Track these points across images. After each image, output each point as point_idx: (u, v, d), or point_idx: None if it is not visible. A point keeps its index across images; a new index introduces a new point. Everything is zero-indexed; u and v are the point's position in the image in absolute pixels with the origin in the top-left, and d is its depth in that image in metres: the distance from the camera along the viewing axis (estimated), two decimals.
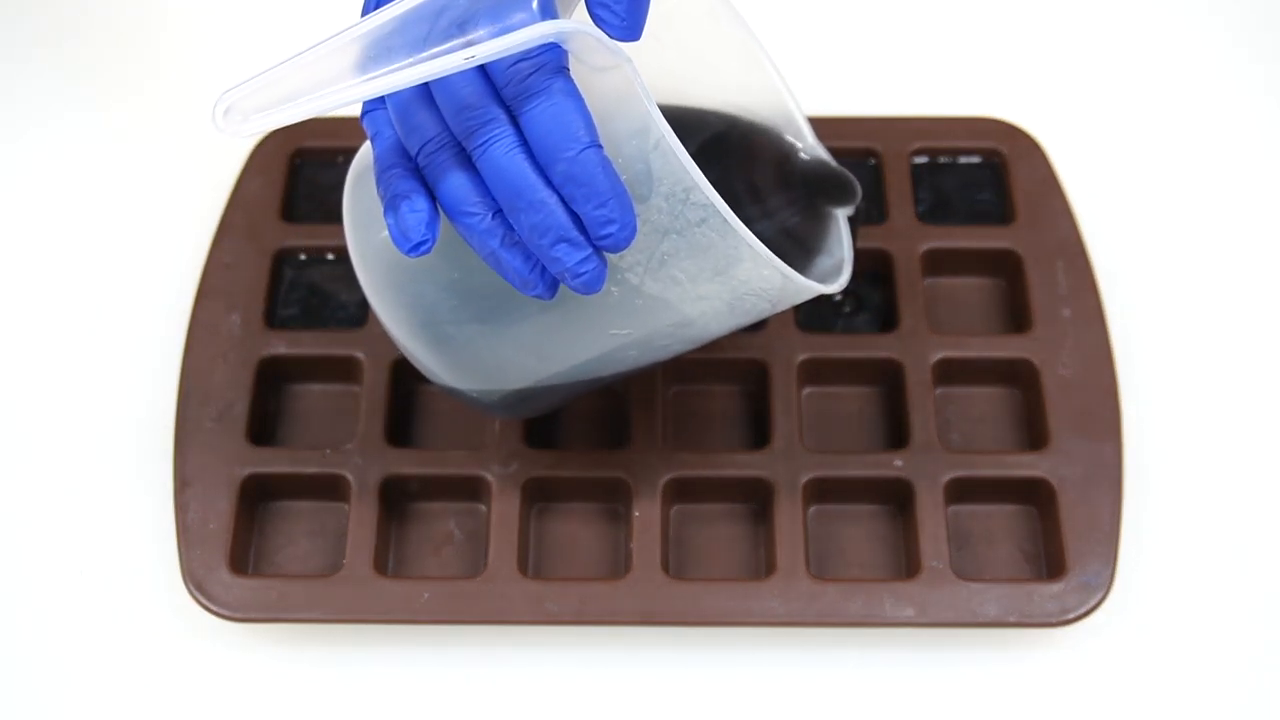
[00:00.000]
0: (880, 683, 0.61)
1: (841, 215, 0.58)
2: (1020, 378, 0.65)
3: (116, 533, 0.64)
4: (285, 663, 0.61)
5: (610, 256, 0.48)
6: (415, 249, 0.47)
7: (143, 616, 0.62)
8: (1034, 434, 0.64)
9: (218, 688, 0.61)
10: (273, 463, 0.63)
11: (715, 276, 0.49)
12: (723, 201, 0.47)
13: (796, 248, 0.57)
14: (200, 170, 0.72)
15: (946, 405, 0.66)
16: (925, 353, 0.65)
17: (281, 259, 0.68)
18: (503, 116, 0.46)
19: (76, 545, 0.63)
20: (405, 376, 0.65)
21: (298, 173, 0.71)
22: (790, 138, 0.59)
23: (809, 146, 0.59)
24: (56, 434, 0.66)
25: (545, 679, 0.61)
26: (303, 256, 0.68)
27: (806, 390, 0.66)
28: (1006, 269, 0.68)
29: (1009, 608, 0.59)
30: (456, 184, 0.47)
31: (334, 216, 0.70)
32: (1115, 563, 0.60)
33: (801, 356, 0.65)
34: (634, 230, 0.46)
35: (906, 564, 0.62)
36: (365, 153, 0.54)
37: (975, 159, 0.71)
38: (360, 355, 0.65)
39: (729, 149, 0.60)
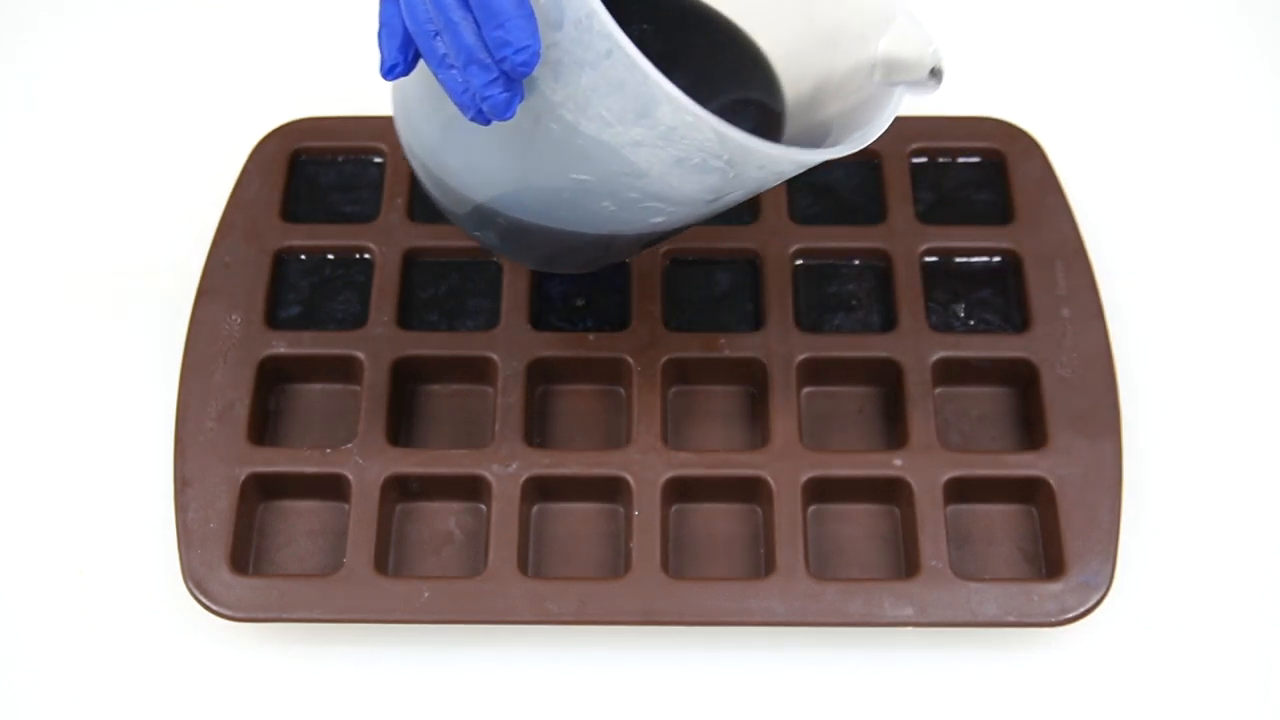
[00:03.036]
0: (880, 682, 0.61)
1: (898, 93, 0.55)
2: (1019, 377, 0.65)
3: (116, 533, 0.64)
4: (285, 663, 0.61)
5: (544, 92, 0.49)
6: (390, 71, 0.50)
7: (143, 616, 0.62)
8: (1033, 434, 0.64)
9: (218, 688, 0.61)
10: (273, 463, 0.63)
11: (639, 119, 0.48)
12: (621, 32, 0.46)
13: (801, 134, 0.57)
14: (200, 170, 0.72)
15: (946, 405, 0.66)
16: (925, 352, 0.65)
17: (281, 259, 0.68)
18: None
19: (76, 545, 0.63)
20: (405, 376, 0.65)
21: (298, 173, 0.71)
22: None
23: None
24: (57, 434, 0.66)
25: (545, 678, 0.61)
26: (303, 256, 0.69)
27: (806, 390, 0.66)
28: (1006, 269, 0.68)
29: (1008, 607, 0.59)
30: (415, 3, 0.48)
31: (334, 216, 0.70)
32: (1114, 562, 0.60)
33: (801, 356, 0.65)
34: (534, 54, 0.47)
35: (906, 563, 0.62)
36: None
37: (975, 159, 0.71)
38: (360, 355, 0.65)
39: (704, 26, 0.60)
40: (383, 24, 0.50)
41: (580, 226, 0.55)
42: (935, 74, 0.55)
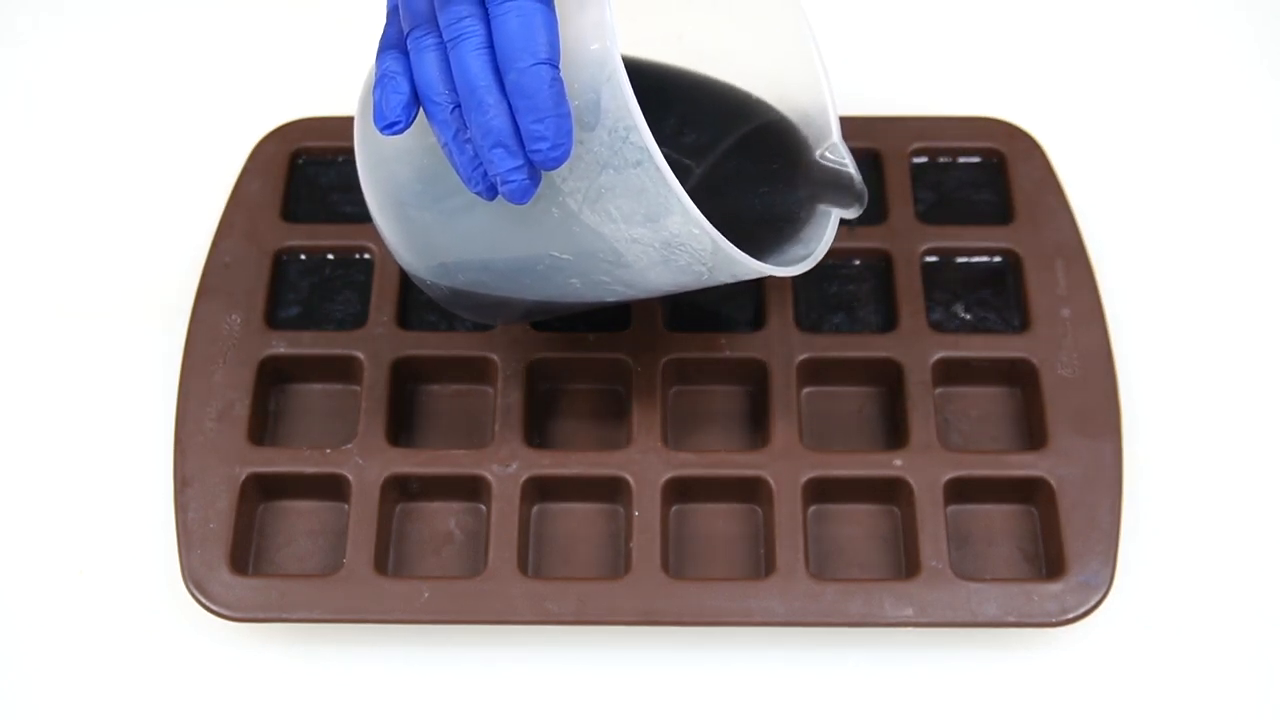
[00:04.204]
0: (880, 682, 0.61)
1: (836, 216, 0.58)
2: (1020, 377, 0.65)
3: (116, 533, 0.64)
4: (285, 663, 0.61)
5: (553, 178, 0.50)
6: (389, 127, 0.49)
7: (143, 616, 0.62)
8: (1033, 434, 0.64)
9: (218, 688, 0.61)
10: (273, 462, 0.63)
11: (647, 221, 0.50)
12: (658, 149, 0.47)
13: (768, 231, 0.58)
14: (200, 170, 0.72)
15: (946, 405, 0.66)
16: (925, 352, 0.65)
17: (281, 259, 0.68)
18: (479, 14, 0.47)
19: (76, 545, 0.63)
20: (405, 376, 0.65)
21: (298, 173, 0.71)
22: (812, 136, 0.60)
23: (832, 146, 0.59)
24: (57, 434, 0.66)
25: (545, 679, 0.61)
26: (303, 256, 0.68)
27: (806, 390, 0.66)
28: (1006, 269, 0.68)
29: (1008, 607, 0.59)
30: (430, 71, 0.48)
31: (334, 216, 0.70)
32: (1115, 562, 0.60)
33: (801, 356, 0.65)
34: (566, 152, 0.47)
35: (906, 564, 0.62)
36: None
37: (975, 159, 0.71)
38: (360, 355, 0.65)
39: (726, 121, 0.61)
40: (384, 75, 0.49)
41: (535, 295, 0.56)
42: (860, 199, 0.58)
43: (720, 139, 0.61)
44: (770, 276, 0.53)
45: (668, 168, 0.48)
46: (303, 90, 0.74)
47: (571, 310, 0.59)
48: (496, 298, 0.57)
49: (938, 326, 0.66)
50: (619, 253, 0.51)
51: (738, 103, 0.61)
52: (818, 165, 0.59)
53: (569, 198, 0.50)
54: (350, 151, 0.71)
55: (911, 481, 0.62)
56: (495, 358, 0.65)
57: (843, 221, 0.58)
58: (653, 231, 0.50)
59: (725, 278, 0.53)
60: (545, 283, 0.55)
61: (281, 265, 0.68)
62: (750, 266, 0.51)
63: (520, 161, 0.48)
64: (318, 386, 0.66)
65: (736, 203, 0.59)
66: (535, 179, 0.49)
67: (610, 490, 0.62)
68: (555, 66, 0.47)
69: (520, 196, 0.49)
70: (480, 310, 0.60)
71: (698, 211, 0.49)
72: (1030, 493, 0.63)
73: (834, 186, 0.58)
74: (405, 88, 0.49)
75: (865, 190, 0.58)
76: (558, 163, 0.48)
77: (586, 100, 0.48)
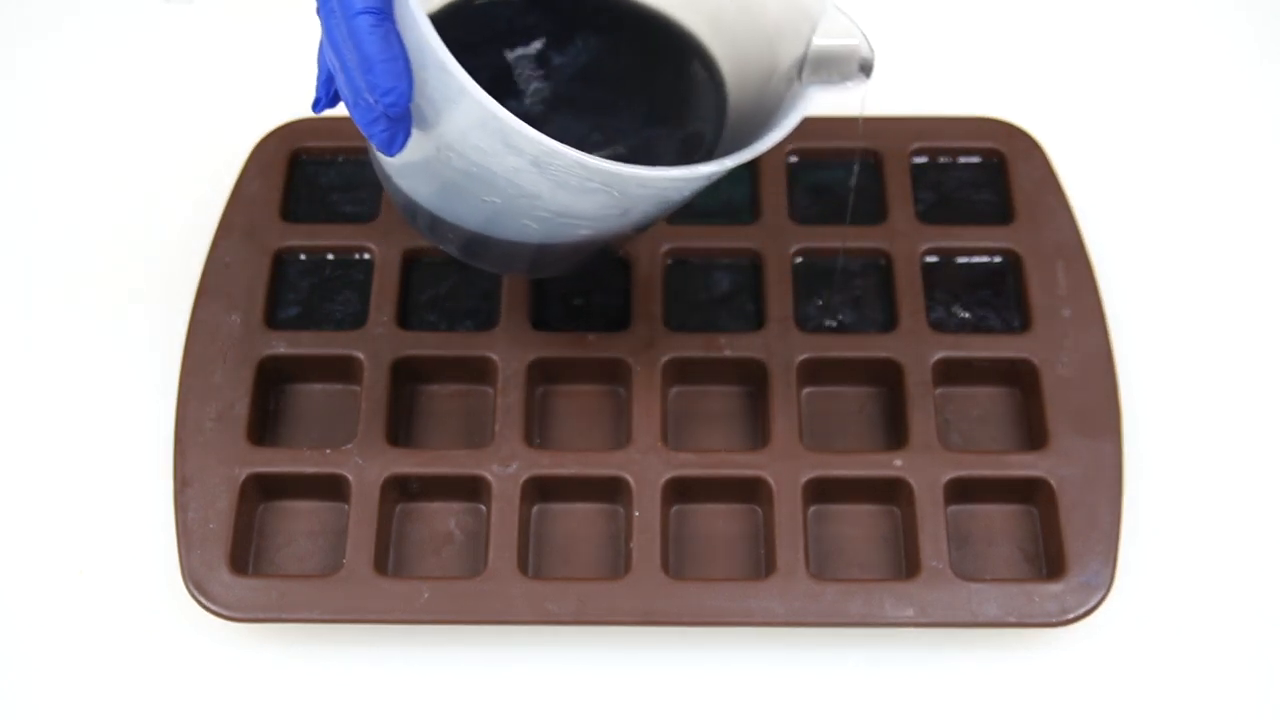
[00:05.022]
0: (880, 683, 0.61)
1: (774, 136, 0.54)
2: (1020, 377, 0.65)
3: (116, 533, 0.64)
4: (285, 663, 0.61)
5: (431, 124, 0.51)
6: (314, 105, 0.53)
7: (143, 616, 0.62)
8: (1034, 434, 0.64)
9: (218, 688, 0.61)
10: (273, 463, 0.63)
11: (507, 148, 0.49)
12: (462, 70, 0.47)
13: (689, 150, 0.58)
14: (200, 170, 0.72)
15: (946, 405, 0.66)
16: (925, 352, 0.65)
17: (281, 259, 0.68)
18: None
19: (76, 545, 0.63)
20: (405, 376, 0.65)
21: (298, 173, 0.71)
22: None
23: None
24: (57, 434, 0.66)
25: (545, 679, 0.61)
26: (302, 256, 0.68)
27: (806, 390, 0.66)
28: (1006, 269, 0.68)
29: (1009, 608, 0.59)
30: (323, 46, 0.50)
31: (334, 216, 0.70)
32: (1115, 562, 0.60)
33: (801, 356, 0.65)
34: (401, 95, 0.49)
35: (906, 564, 0.62)
36: None
37: (975, 159, 0.71)
38: (360, 355, 0.65)
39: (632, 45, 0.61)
40: (318, 62, 0.52)
41: (521, 238, 0.56)
42: (865, 68, 0.55)
43: (624, 66, 0.61)
44: (682, 180, 0.51)
45: (479, 89, 0.47)
46: (303, 90, 0.73)
47: (574, 257, 0.59)
48: (493, 243, 0.57)
49: (938, 326, 0.66)
50: (519, 186, 0.51)
51: (659, 30, 0.61)
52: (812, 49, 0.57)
53: (449, 140, 0.51)
54: (350, 151, 0.71)
55: (912, 481, 0.62)
56: (495, 358, 0.65)
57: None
58: (519, 157, 0.50)
59: (638, 190, 0.52)
60: (512, 226, 0.55)
61: (281, 265, 0.68)
62: (625, 174, 0.50)
63: (375, 114, 0.49)
64: (317, 386, 0.66)
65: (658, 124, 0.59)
66: (395, 129, 0.50)
67: (610, 490, 0.62)
68: (378, 14, 0.47)
69: (387, 148, 0.51)
70: (501, 262, 0.60)
71: (526, 126, 0.48)
72: (1030, 493, 0.63)
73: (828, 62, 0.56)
74: (324, 67, 0.51)
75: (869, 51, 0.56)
76: (399, 106, 0.49)
77: (410, 42, 0.48)
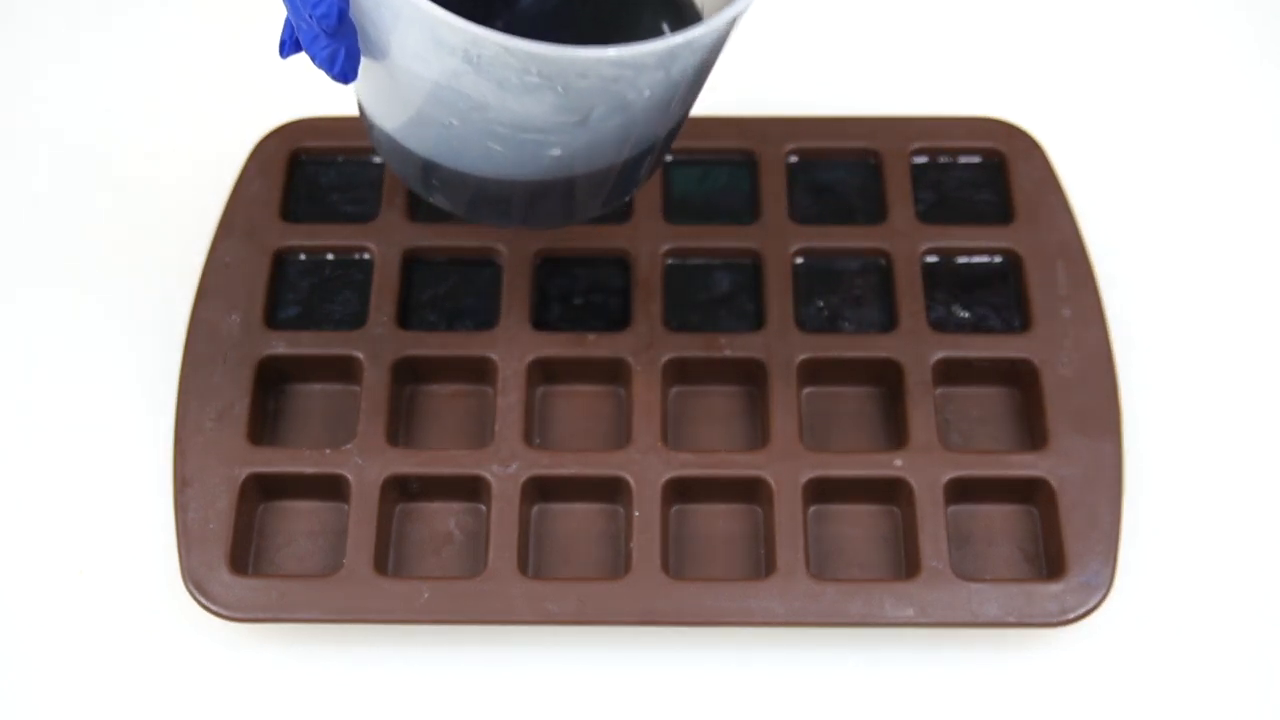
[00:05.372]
0: (880, 683, 0.61)
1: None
2: (1020, 377, 0.65)
3: (116, 533, 0.64)
4: (285, 663, 0.61)
5: (375, 40, 0.50)
6: (280, 49, 0.53)
7: (143, 616, 0.62)
8: (1034, 434, 0.64)
9: (218, 688, 0.61)
10: (272, 463, 0.63)
11: (440, 51, 0.49)
12: None
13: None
14: (200, 170, 0.72)
15: (946, 405, 0.66)
16: (925, 352, 0.65)
17: (281, 259, 0.68)
18: None
19: (76, 545, 0.63)
20: (405, 376, 0.65)
21: (298, 173, 0.71)
22: None
23: None
24: (56, 433, 0.66)
25: (545, 678, 0.61)
26: (302, 256, 0.68)
27: (806, 390, 0.66)
28: (1006, 269, 0.68)
29: (1009, 608, 0.59)
30: None
31: (334, 216, 0.70)
32: (1115, 562, 0.60)
33: (801, 356, 0.65)
34: (330, 7, 0.48)
35: (906, 564, 0.62)
36: None
37: (975, 159, 0.71)
38: (360, 355, 0.65)
39: None
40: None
41: (498, 173, 0.55)
42: None
43: None
44: (621, 61, 0.49)
45: None
46: (303, 90, 0.74)
47: (565, 198, 0.57)
48: (475, 181, 0.56)
49: (938, 326, 0.66)
50: (465, 94, 0.51)
51: None
52: None
53: (395, 54, 0.50)
54: (350, 151, 0.71)
55: (912, 481, 0.62)
56: (495, 358, 0.65)
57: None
58: (453, 57, 0.49)
59: (580, 82, 0.50)
60: (482, 156, 0.54)
61: (281, 265, 0.68)
62: (555, 56, 0.48)
63: (314, 33, 0.50)
64: (317, 386, 0.66)
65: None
66: (337, 46, 0.50)
67: (610, 490, 0.62)
68: None
69: (329, 66, 0.51)
70: (486, 207, 0.59)
71: (444, 11, 0.47)
72: (1030, 493, 0.63)
73: None
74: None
75: None
76: (330, 19, 0.49)
77: None
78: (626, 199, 0.63)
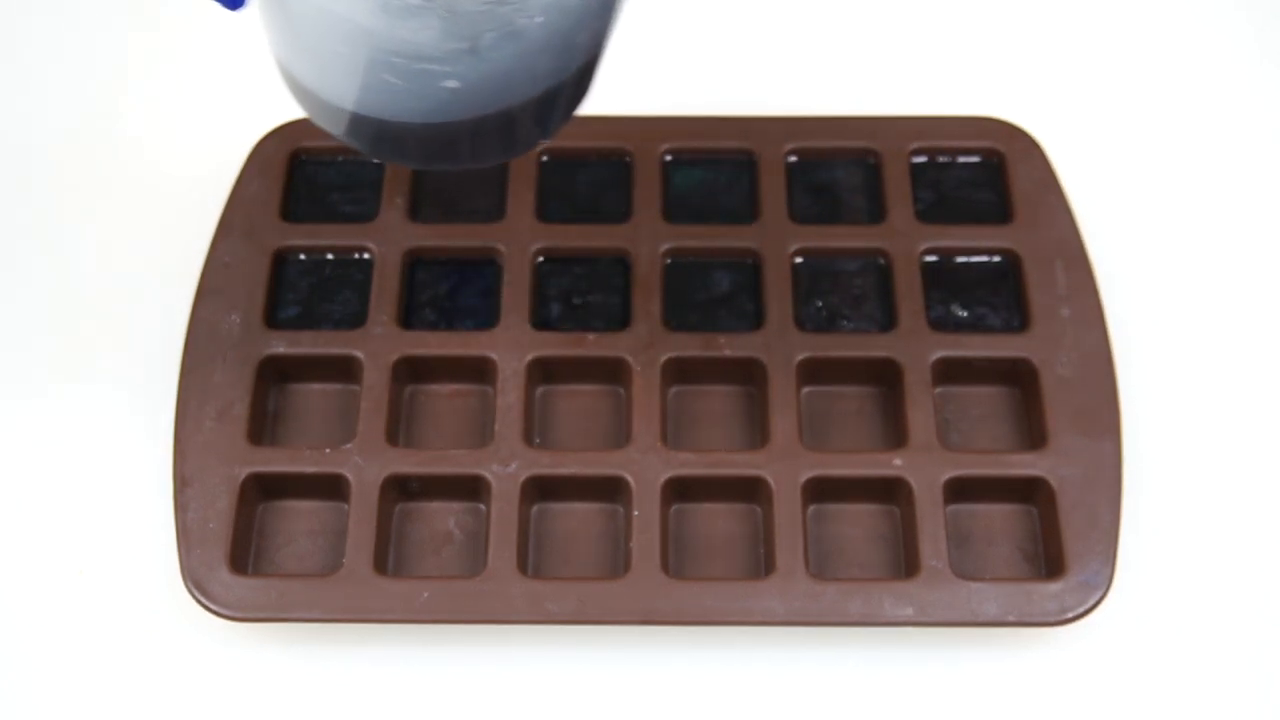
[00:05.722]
0: (880, 682, 0.61)
1: None
2: (1019, 377, 0.65)
3: (116, 533, 0.64)
4: (285, 662, 0.61)
5: None
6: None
7: (143, 616, 0.62)
8: (1033, 433, 0.64)
9: (218, 688, 0.61)
10: (272, 462, 0.63)
11: None
12: None
13: None
14: (200, 170, 0.72)
15: (946, 404, 0.66)
16: (924, 352, 0.65)
17: (281, 259, 0.68)
18: None
19: (76, 545, 0.63)
20: (405, 376, 0.65)
21: (298, 173, 0.71)
22: None
23: None
24: (56, 434, 0.66)
25: (545, 678, 0.61)
26: (302, 256, 0.69)
27: (805, 390, 0.66)
28: (1006, 269, 0.68)
29: (1008, 607, 0.59)
30: None
31: (334, 216, 0.70)
32: (1115, 562, 0.60)
33: (801, 356, 0.65)
34: None
35: (906, 563, 0.62)
36: None
37: (974, 158, 0.71)
38: (360, 355, 0.65)
39: None
40: None
41: (397, 115, 0.53)
42: None
43: None
44: None
45: None
46: None
47: (491, 130, 0.55)
48: (381, 125, 0.54)
49: (937, 326, 0.66)
50: (346, 18, 0.49)
51: None
52: None
53: None
54: (350, 151, 0.71)
55: (911, 481, 0.62)
56: (495, 358, 0.65)
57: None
58: None
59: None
60: (380, 90, 0.52)
61: (281, 265, 0.68)
62: None
63: None
64: (317, 386, 0.66)
65: None
66: None
67: (610, 490, 0.63)
68: None
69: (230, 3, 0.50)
70: (397, 151, 0.57)
71: None
72: (1030, 492, 0.63)
73: None
74: None
75: None
76: None
77: None
78: (539, 144, 0.63)
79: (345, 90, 0.54)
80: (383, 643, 0.61)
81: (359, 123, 0.55)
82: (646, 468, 0.62)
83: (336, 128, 0.57)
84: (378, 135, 0.56)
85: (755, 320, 0.67)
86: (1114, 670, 0.61)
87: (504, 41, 0.51)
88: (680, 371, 0.66)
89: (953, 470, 0.62)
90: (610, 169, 0.71)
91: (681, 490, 0.63)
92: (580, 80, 0.55)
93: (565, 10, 0.51)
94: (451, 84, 0.52)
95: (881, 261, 0.68)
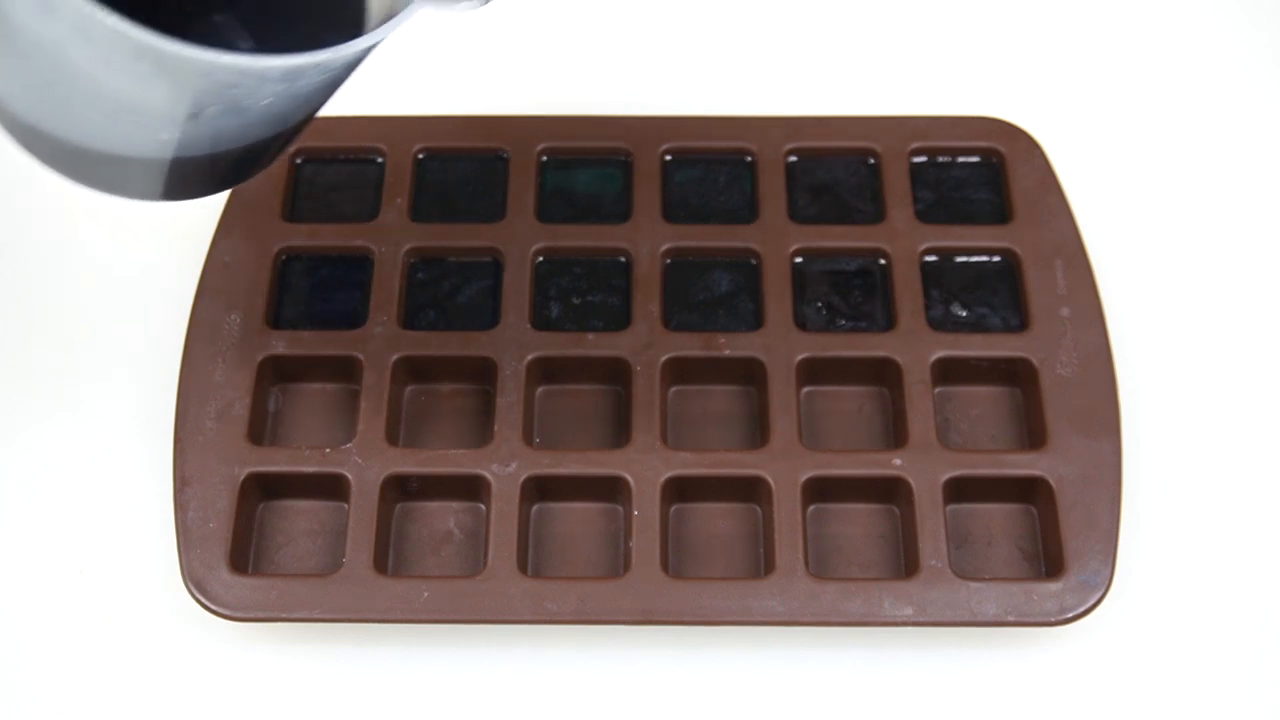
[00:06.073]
0: (879, 682, 0.61)
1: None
2: (1019, 377, 0.65)
3: (116, 533, 0.64)
4: (285, 662, 0.61)
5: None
6: None
7: (143, 616, 0.62)
8: (1033, 433, 0.64)
9: (218, 687, 0.61)
10: (272, 462, 0.63)
11: (48, 14, 0.45)
12: None
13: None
14: None
15: (945, 404, 0.66)
16: (924, 352, 0.65)
17: (281, 259, 0.68)
18: None
19: (76, 545, 0.63)
20: (405, 376, 0.65)
21: (298, 173, 0.71)
22: None
23: None
24: (56, 433, 0.66)
25: (545, 678, 0.61)
26: (303, 256, 0.69)
27: (805, 389, 0.66)
28: (1005, 269, 0.68)
29: (1008, 607, 0.59)
30: None
31: (334, 216, 0.70)
32: (1114, 561, 0.60)
33: (800, 356, 0.65)
34: None
35: (905, 563, 0.62)
36: None
37: (974, 158, 0.71)
38: (360, 355, 0.65)
39: None
40: None
41: (109, 146, 0.51)
42: None
43: None
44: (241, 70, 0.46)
45: None
46: None
47: (185, 172, 0.53)
48: (81, 153, 0.52)
49: (937, 326, 0.66)
50: (73, 63, 0.47)
51: None
52: None
53: (5, 7, 0.47)
54: (350, 151, 0.71)
55: (911, 481, 0.62)
56: (495, 358, 0.65)
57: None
58: (60, 24, 0.45)
59: (200, 81, 0.47)
60: (90, 124, 0.50)
61: (281, 265, 0.68)
62: (179, 55, 0.44)
63: None
64: (317, 386, 0.67)
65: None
66: None
67: (610, 489, 0.63)
68: None
69: None
70: (92, 176, 0.54)
71: None
72: (1030, 492, 0.63)
73: None
74: None
75: None
76: None
77: None
78: (231, 188, 0.61)
79: (62, 123, 0.51)
80: (383, 642, 0.61)
81: (51, 144, 0.53)
82: (646, 468, 0.62)
83: (14, 132, 0.54)
84: (57, 151, 0.53)
85: (755, 320, 0.67)
86: (1114, 670, 0.61)
87: (227, 114, 0.50)
88: (680, 371, 0.66)
89: (952, 470, 0.62)
90: (610, 168, 0.71)
91: (681, 490, 0.63)
92: (288, 139, 0.54)
93: (293, 95, 0.50)
94: (163, 136, 0.51)
95: (881, 261, 0.68)
